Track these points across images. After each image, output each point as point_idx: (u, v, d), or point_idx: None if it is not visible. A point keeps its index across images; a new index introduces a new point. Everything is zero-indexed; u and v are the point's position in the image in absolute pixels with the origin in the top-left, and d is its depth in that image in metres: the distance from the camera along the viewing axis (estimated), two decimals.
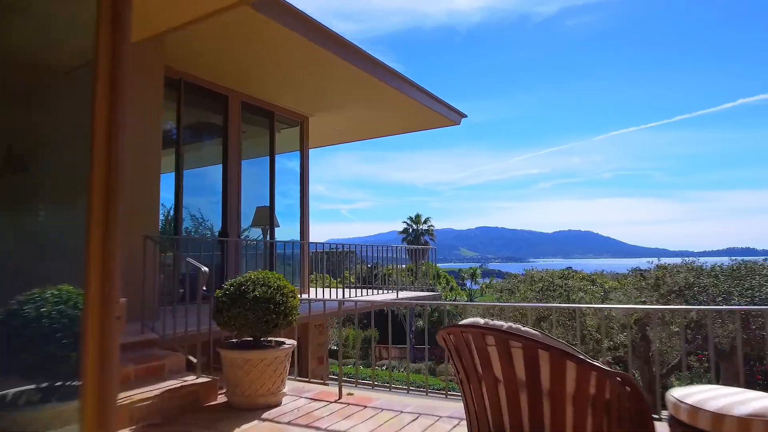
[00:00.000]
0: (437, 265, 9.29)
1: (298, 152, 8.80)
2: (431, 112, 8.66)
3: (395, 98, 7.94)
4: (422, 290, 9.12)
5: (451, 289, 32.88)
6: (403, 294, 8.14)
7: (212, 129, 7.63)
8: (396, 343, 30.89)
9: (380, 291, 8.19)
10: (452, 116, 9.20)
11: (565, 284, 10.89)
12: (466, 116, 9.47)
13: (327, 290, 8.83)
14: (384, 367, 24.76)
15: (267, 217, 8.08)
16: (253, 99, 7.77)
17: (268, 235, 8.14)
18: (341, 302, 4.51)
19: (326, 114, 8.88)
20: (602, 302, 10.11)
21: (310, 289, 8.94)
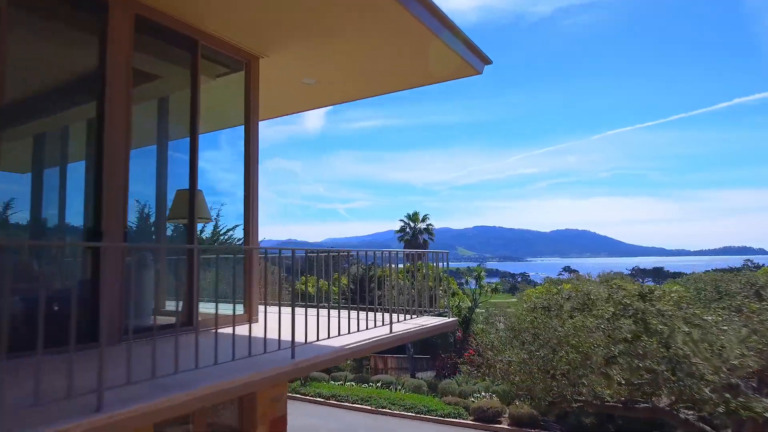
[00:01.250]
0: (438, 265, 6.27)
1: (242, 114, 5.85)
2: (447, 51, 5.75)
3: (396, 24, 5.08)
4: (425, 312, 6.20)
5: (453, 293, 29.95)
6: (399, 327, 5.21)
7: (77, 55, 4.67)
8: (394, 352, 28.07)
9: (368, 314, 5.29)
10: (474, 61, 6.29)
11: (654, 309, 6.99)
12: (491, 62, 6.57)
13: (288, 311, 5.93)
14: (379, 384, 21.83)
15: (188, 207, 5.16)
16: (159, 14, 4.81)
17: (192, 235, 5.22)
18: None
19: (288, 53, 5.94)
20: (713, 338, 6.99)
21: (267, 313, 6.03)
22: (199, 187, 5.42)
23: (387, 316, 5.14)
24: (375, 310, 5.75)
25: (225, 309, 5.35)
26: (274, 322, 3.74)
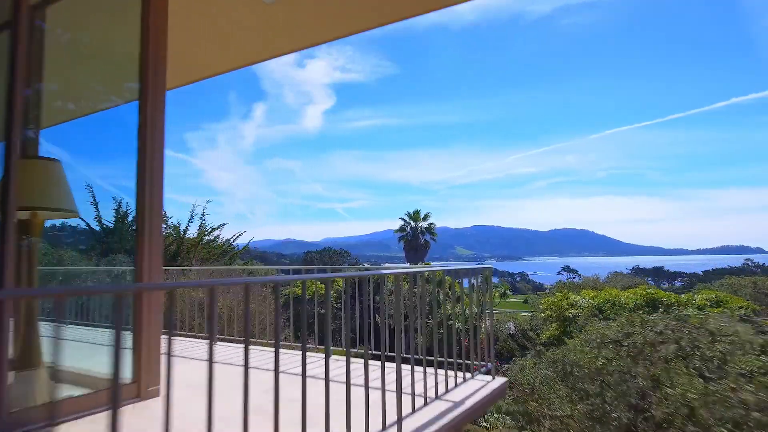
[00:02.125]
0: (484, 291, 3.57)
1: (137, 65, 3.35)
2: None
3: None
4: (453, 368, 3.71)
5: (457, 299, 27.51)
6: (415, 420, 2.74)
7: None
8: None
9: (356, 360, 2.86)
10: None
11: None
12: None
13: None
14: None
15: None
16: None
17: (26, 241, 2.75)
18: None
19: None
20: None
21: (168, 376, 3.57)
22: (57, 157, 3.00)
23: (394, 382, 2.67)
24: (367, 357, 3.31)
25: (97, 374, 2.93)
26: (195, 393, 1.46)
